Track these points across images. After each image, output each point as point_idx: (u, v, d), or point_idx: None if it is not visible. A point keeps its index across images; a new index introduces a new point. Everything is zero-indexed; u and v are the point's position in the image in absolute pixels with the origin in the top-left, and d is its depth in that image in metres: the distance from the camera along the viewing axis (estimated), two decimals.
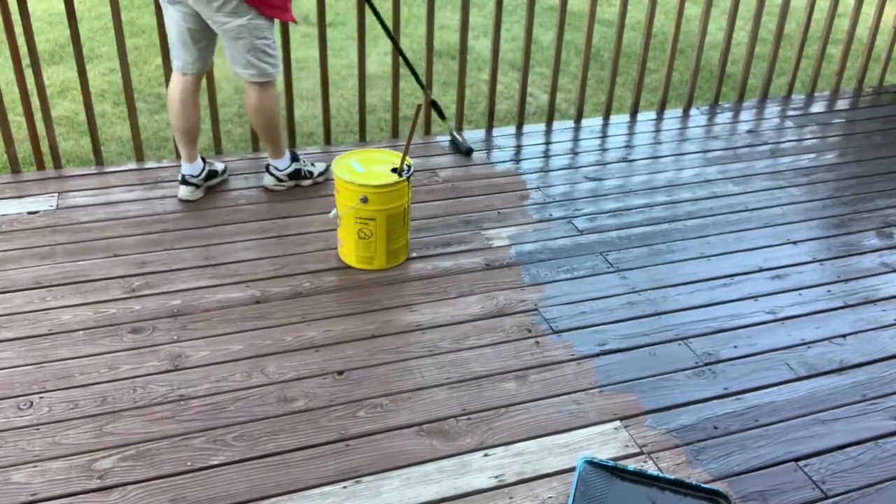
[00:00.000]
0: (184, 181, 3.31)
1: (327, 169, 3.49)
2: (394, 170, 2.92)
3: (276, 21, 3.27)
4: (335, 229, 3.05)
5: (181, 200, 3.32)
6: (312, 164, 3.50)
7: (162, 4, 3.05)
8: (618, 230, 3.31)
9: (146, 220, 3.22)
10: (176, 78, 3.16)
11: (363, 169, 2.93)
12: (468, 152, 3.82)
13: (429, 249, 3.13)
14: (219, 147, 3.77)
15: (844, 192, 3.67)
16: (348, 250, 2.99)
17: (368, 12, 3.58)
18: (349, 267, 3.00)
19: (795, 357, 2.67)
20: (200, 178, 3.32)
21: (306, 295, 2.85)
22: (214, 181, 3.42)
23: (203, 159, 3.37)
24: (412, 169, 2.93)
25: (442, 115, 3.89)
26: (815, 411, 2.46)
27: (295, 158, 3.44)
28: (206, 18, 2.96)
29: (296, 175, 3.43)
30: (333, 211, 2.96)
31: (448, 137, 3.96)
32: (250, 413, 2.36)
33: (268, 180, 3.42)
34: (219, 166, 3.46)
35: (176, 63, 3.14)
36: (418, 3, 6.49)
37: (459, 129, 4.04)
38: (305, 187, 3.48)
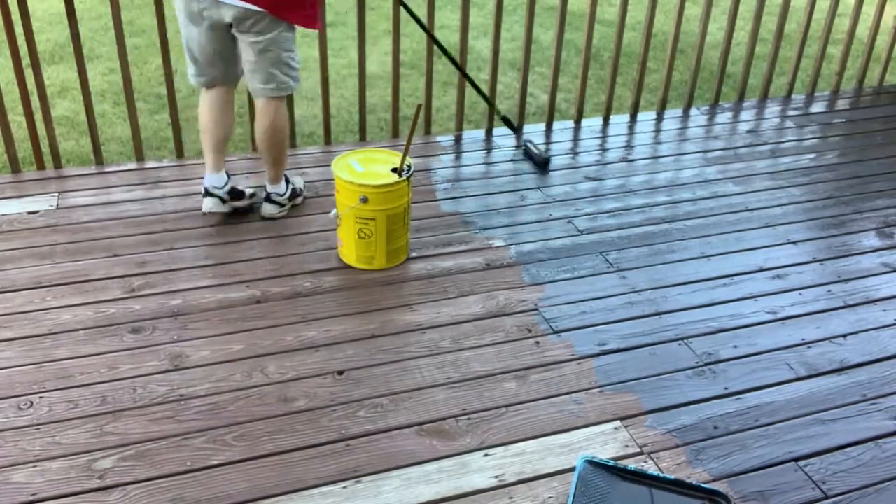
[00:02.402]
0: (207, 193, 3.16)
1: (304, 183, 3.44)
2: (394, 170, 2.92)
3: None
4: (335, 229, 3.05)
5: (204, 214, 3.19)
6: (294, 181, 3.38)
7: (183, 21, 2.92)
8: (618, 230, 3.31)
9: (146, 219, 3.22)
10: (206, 93, 3.07)
11: (363, 169, 2.93)
12: (545, 163, 3.71)
13: (429, 249, 3.13)
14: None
15: (845, 192, 3.67)
16: (348, 250, 2.99)
17: (369, 13, 3.58)
18: (349, 267, 3.00)
19: (795, 357, 2.67)
20: (224, 190, 3.18)
21: (306, 295, 2.85)
22: (241, 204, 3.24)
23: (228, 175, 3.24)
24: (412, 169, 2.93)
25: (514, 129, 3.92)
26: (815, 411, 2.46)
27: (286, 179, 3.31)
28: (236, 35, 2.88)
29: (292, 196, 3.31)
30: (333, 211, 2.96)
31: (520, 146, 3.89)
32: (250, 413, 2.36)
33: (270, 209, 3.24)
34: (248, 191, 3.29)
35: (201, 80, 3.03)
36: (418, 3, 6.48)
37: (521, 137, 3.98)
38: (303, 192, 3.48)
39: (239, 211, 3.25)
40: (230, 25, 2.86)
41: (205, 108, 3.11)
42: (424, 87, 3.91)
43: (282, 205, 3.27)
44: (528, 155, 3.80)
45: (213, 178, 3.17)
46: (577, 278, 3.00)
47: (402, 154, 2.94)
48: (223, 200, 3.18)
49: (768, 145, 4.07)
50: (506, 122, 3.89)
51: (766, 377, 2.58)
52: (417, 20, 3.54)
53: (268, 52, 2.90)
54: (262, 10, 2.77)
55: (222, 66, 3.01)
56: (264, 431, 2.31)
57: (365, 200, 2.84)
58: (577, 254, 3.14)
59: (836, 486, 2.21)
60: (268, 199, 3.25)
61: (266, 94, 3.00)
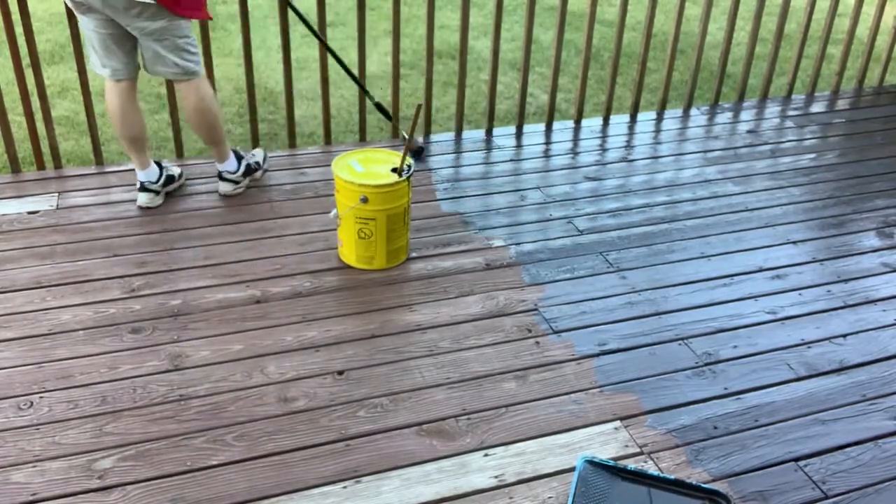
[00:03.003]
0: (143, 188, 3.24)
1: (265, 156, 3.53)
2: (394, 170, 2.92)
3: (197, 22, 3.30)
4: (335, 229, 3.05)
5: (140, 208, 3.26)
6: (252, 154, 3.48)
7: (76, 14, 2.94)
8: (618, 230, 3.31)
9: (146, 220, 3.22)
10: (110, 86, 3.07)
11: (363, 169, 2.93)
12: (419, 151, 3.78)
13: (429, 249, 3.13)
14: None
15: (844, 192, 3.67)
16: (349, 250, 2.99)
17: (369, 13, 3.58)
18: (349, 267, 3.00)
19: (795, 357, 2.67)
20: (159, 183, 3.27)
21: (306, 295, 2.85)
22: (172, 186, 3.36)
23: (159, 164, 3.31)
24: (412, 169, 2.93)
25: (388, 116, 3.85)
26: (815, 411, 2.46)
27: (239, 156, 3.39)
28: (125, 25, 2.89)
29: (248, 172, 3.39)
30: (333, 211, 2.96)
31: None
32: (250, 413, 2.36)
33: (225, 187, 3.36)
34: (175, 171, 3.39)
35: (104, 71, 3.04)
36: (418, 3, 6.49)
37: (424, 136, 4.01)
38: (303, 192, 3.48)
39: (174, 193, 3.38)
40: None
41: (109, 108, 3.12)
42: (424, 87, 3.91)
43: (236, 182, 3.34)
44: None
45: (144, 175, 3.24)
46: (577, 278, 3.00)
47: (401, 154, 2.94)
48: (157, 193, 3.28)
49: (768, 145, 4.07)
50: (379, 108, 3.79)
51: (766, 377, 2.58)
52: (305, 23, 3.50)
53: (163, 40, 2.94)
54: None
55: (120, 54, 2.99)
56: (264, 431, 2.31)
57: (365, 200, 2.84)
58: (577, 254, 3.14)
59: (836, 486, 2.21)
60: (220, 177, 3.34)
61: (175, 79, 3.08)
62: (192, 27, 3.07)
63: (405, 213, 2.96)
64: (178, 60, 3.00)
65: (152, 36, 2.92)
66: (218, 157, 3.31)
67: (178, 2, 2.86)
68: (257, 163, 3.45)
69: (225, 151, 3.30)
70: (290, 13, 3.54)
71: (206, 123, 3.17)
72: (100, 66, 3.05)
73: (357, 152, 3.03)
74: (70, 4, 2.91)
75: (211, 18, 3.15)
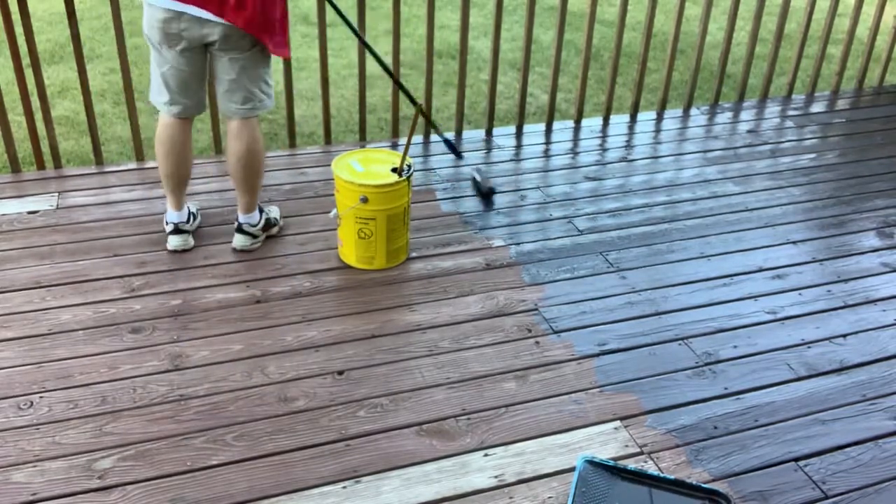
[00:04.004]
0: (177, 230, 3.04)
1: (280, 213, 3.23)
2: (394, 169, 2.92)
3: None
4: (335, 229, 3.05)
5: (173, 252, 3.03)
6: (269, 210, 3.19)
7: (156, 47, 2.78)
8: (618, 230, 3.30)
9: (146, 219, 3.22)
10: (171, 123, 2.90)
11: (363, 169, 2.93)
12: (489, 193, 3.47)
13: (429, 249, 3.13)
14: (218, 147, 3.77)
15: (844, 192, 3.67)
16: (348, 250, 2.99)
17: (369, 13, 3.58)
18: (349, 267, 3.00)
19: (795, 357, 2.67)
20: (191, 224, 3.10)
21: (306, 295, 2.85)
22: (273, 230, 3.17)
23: (260, 209, 3.11)
24: (412, 168, 2.93)
25: (456, 152, 3.76)
26: (815, 411, 2.46)
27: (260, 209, 3.12)
28: (215, 52, 2.78)
29: (267, 226, 3.13)
30: (333, 210, 2.96)
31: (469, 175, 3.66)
32: (250, 413, 2.36)
33: (243, 241, 3.05)
34: (274, 212, 3.20)
35: (173, 109, 2.86)
36: (418, 3, 6.49)
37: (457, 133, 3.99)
38: (303, 192, 3.48)
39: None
40: (206, 46, 2.76)
41: (171, 144, 2.91)
42: (424, 87, 3.91)
43: (255, 236, 3.07)
44: (475, 183, 3.54)
45: (177, 216, 3.05)
46: (577, 278, 3.00)
47: (401, 154, 2.94)
48: (189, 233, 3.08)
49: (768, 145, 4.07)
50: (422, 113, 3.56)
51: (766, 377, 2.58)
52: (348, 24, 3.43)
53: (248, 69, 2.81)
54: (241, 29, 2.68)
55: (197, 91, 2.88)
56: (264, 431, 2.30)
57: (365, 200, 2.84)
58: (577, 254, 3.14)
59: (836, 486, 2.21)
60: (239, 229, 3.05)
61: (243, 115, 2.87)
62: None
63: (405, 213, 2.95)
64: (255, 91, 2.85)
65: (238, 63, 2.78)
66: (245, 208, 3.03)
67: (265, 32, 2.73)
68: (275, 218, 3.18)
69: (255, 202, 3.04)
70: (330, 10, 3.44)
71: (255, 166, 2.95)
72: (169, 104, 2.86)
73: (357, 152, 3.03)
74: (156, 39, 2.73)
75: (289, 58, 3.04)
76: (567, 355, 2.63)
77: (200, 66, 2.84)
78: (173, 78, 2.81)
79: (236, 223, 3.06)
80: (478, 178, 3.52)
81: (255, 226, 3.06)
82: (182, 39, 2.72)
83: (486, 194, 3.46)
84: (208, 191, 3.43)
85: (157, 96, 2.89)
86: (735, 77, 4.90)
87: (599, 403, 2.45)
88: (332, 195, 3.22)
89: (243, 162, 2.92)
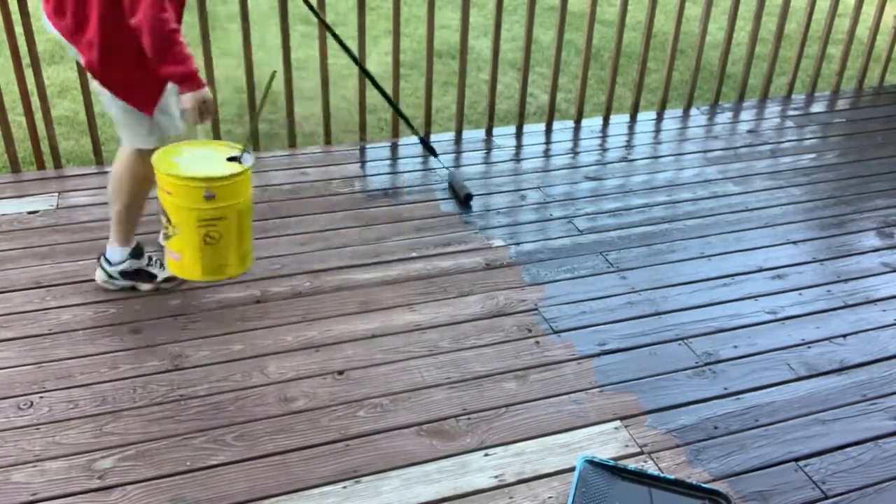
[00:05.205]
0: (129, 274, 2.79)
1: (174, 278, 2.80)
2: (230, 158, 2.49)
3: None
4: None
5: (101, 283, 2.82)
6: (161, 267, 2.79)
7: None
8: (618, 230, 3.30)
9: (145, 220, 3.21)
10: (149, 154, 2.54)
11: (195, 164, 2.46)
12: (466, 199, 3.41)
13: (429, 249, 3.13)
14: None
15: (844, 192, 3.67)
16: (191, 262, 2.52)
17: (369, 13, 3.58)
18: (350, 266, 3.00)
19: (795, 357, 2.67)
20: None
21: (306, 295, 2.85)
22: (139, 282, 2.83)
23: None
24: (251, 150, 2.57)
25: (433, 152, 3.73)
26: (815, 411, 2.45)
27: (138, 254, 2.78)
28: None
29: (134, 275, 2.78)
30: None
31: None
32: (250, 413, 2.36)
33: (99, 274, 2.79)
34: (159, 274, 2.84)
35: (153, 141, 2.62)
36: (418, 3, 6.48)
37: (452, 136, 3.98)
38: (303, 192, 3.47)
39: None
40: None
41: (149, 179, 2.59)
42: (424, 87, 3.91)
43: (109, 275, 2.76)
44: (451, 190, 3.50)
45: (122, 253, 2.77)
46: (577, 278, 3.00)
47: (219, 142, 2.64)
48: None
49: (768, 145, 4.07)
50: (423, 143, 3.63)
51: (766, 377, 2.58)
52: (345, 48, 3.42)
53: (118, 115, 2.60)
54: (85, 68, 2.49)
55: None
56: (264, 431, 2.30)
57: (211, 197, 2.41)
58: (577, 254, 3.14)
59: (836, 486, 2.21)
60: (99, 259, 2.79)
61: (121, 140, 2.68)
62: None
63: (251, 206, 2.58)
64: (129, 134, 2.64)
65: (113, 101, 2.56)
66: (110, 236, 2.76)
67: (120, 87, 2.50)
68: (154, 275, 2.80)
69: (118, 234, 2.73)
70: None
71: (115, 190, 2.71)
72: (152, 139, 2.62)
73: (169, 149, 2.53)
74: None
75: (152, 115, 2.58)
76: (567, 355, 2.63)
77: None
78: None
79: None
80: (454, 183, 3.49)
81: (112, 264, 2.76)
82: None
83: (463, 200, 3.41)
84: None
85: (140, 141, 2.63)
86: (735, 77, 4.90)
87: (599, 403, 2.45)
88: (332, 195, 3.22)
89: (111, 182, 2.71)
